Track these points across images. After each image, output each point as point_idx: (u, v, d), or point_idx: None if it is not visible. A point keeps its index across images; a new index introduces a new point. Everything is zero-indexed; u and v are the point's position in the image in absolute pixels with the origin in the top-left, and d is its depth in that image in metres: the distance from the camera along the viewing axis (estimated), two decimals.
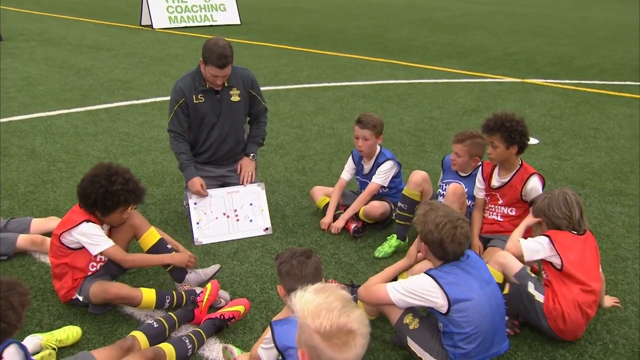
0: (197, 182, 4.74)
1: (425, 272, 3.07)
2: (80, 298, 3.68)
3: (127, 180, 3.67)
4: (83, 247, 3.66)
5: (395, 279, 3.35)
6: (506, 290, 3.62)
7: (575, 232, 3.58)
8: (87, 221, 3.64)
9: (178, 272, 3.95)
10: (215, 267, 4.11)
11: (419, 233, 3.15)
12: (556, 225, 3.59)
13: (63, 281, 3.71)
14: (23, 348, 2.60)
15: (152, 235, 3.92)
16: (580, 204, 3.62)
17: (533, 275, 3.61)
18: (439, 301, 2.97)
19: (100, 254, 3.69)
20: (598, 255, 3.64)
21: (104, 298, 3.62)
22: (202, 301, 3.66)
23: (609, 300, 3.87)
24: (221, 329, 3.56)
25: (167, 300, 3.71)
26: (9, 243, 4.26)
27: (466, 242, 3.09)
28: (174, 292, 3.79)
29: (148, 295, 3.67)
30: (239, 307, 3.65)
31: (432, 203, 3.24)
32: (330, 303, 2.02)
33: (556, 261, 3.48)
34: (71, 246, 3.66)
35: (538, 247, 3.53)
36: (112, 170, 3.67)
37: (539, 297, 3.47)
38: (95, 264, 3.74)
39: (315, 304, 2.03)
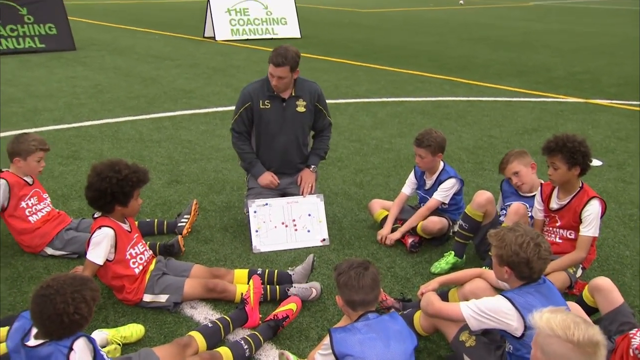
0: (267, 176, 4.94)
1: (501, 294, 2.99)
2: (164, 299, 3.83)
3: (127, 165, 3.81)
4: (114, 255, 3.77)
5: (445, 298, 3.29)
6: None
7: None
8: (100, 227, 3.75)
9: (284, 279, 4.16)
10: (310, 258, 4.24)
11: (497, 258, 3.02)
12: None
13: (125, 292, 3.84)
14: (92, 341, 2.71)
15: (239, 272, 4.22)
16: None
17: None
18: (514, 324, 2.88)
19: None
20: None
21: (207, 291, 3.90)
22: (250, 297, 3.74)
23: None
24: (277, 330, 3.62)
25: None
26: (81, 242, 4.44)
27: (550, 258, 3.00)
28: (268, 287, 4.00)
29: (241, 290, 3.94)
30: (291, 304, 3.73)
31: (502, 228, 3.13)
32: (573, 319, 2.26)
33: None
34: (107, 258, 3.76)
35: None
36: (108, 163, 3.79)
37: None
38: (135, 261, 3.86)
39: (560, 320, 2.25)
